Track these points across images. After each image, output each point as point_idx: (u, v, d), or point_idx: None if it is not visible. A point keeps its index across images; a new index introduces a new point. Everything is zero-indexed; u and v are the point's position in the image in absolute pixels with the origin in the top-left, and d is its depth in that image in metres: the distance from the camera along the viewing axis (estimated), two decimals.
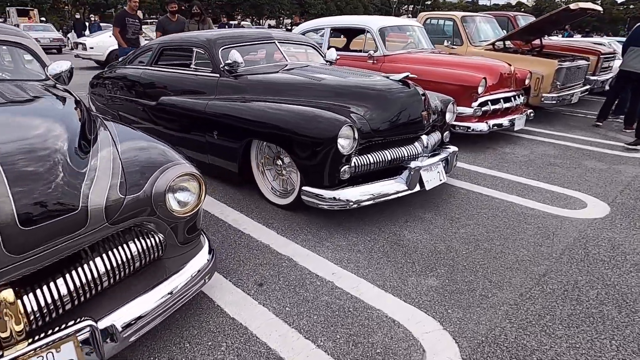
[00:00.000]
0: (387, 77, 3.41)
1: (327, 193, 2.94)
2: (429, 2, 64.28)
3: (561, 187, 3.99)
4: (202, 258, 2.16)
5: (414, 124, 3.26)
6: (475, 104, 5.01)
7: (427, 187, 3.25)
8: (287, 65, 4.06)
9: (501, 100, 5.29)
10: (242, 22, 31.22)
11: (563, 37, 15.32)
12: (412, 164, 3.11)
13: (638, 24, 4.67)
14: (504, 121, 5.28)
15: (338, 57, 4.76)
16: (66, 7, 45.22)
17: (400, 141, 3.28)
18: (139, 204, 1.85)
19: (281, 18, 56.05)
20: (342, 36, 7.83)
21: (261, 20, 54.46)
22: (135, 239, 1.91)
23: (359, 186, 3.02)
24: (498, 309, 2.23)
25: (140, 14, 6.91)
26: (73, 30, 21.66)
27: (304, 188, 3.01)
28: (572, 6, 6.13)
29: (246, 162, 3.49)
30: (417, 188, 3.21)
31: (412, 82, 3.50)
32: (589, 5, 6.45)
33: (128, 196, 1.82)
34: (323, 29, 6.63)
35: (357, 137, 2.90)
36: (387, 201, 3.13)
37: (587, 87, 7.65)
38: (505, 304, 2.26)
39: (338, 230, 3.05)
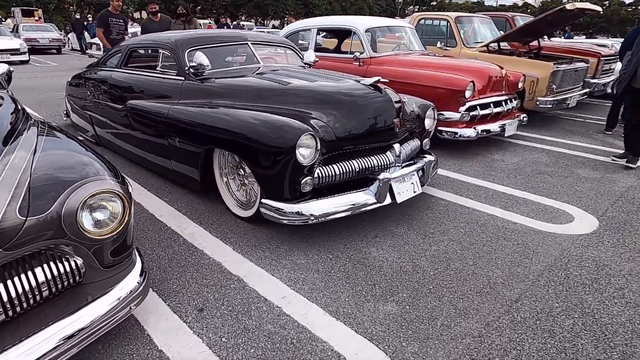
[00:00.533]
0: (358, 82, 3.19)
1: (287, 207, 2.72)
2: (434, 3, 63.83)
3: (549, 199, 3.74)
4: (130, 282, 1.96)
5: (385, 132, 3.04)
6: (462, 109, 4.77)
7: (399, 199, 3.02)
8: (259, 68, 3.85)
9: (491, 104, 5.04)
10: (243, 23, 30.93)
11: (564, 38, 14.98)
12: (381, 175, 2.88)
13: (634, 28, 4.37)
14: (494, 127, 5.04)
15: (317, 59, 4.54)
16: (71, 7, 45.33)
17: (370, 150, 3.05)
18: (45, 226, 1.64)
19: (285, 18, 55.92)
20: (335, 37, 7.62)
21: (265, 21, 54.34)
22: (45, 264, 1.71)
23: (323, 199, 2.81)
24: (459, 341, 2.00)
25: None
26: (72, 31, 21.62)
27: (262, 201, 2.80)
28: (569, 6, 5.87)
29: (209, 171, 3.29)
30: (388, 201, 2.98)
31: (386, 87, 3.27)
32: (587, 5, 6.18)
33: (30, 217, 1.61)
34: (310, 29, 6.40)
35: (319, 147, 2.68)
36: (357, 214, 2.91)
37: (587, 90, 7.38)
38: (469, 336, 2.03)
39: (300, 246, 2.83)
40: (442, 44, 7.15)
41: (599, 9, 6.50)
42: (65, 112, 5.74)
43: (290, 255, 2.72)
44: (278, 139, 2.64)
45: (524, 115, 5.58)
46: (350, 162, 2.92)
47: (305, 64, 4.35)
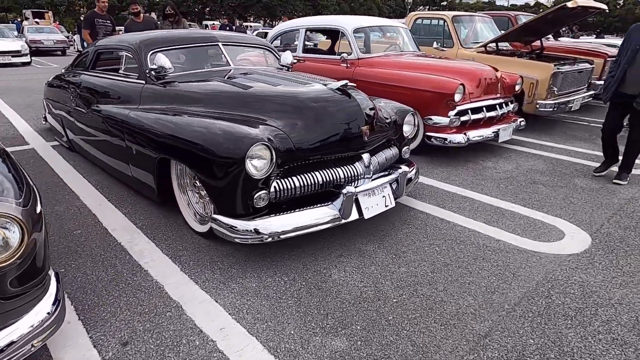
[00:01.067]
0: (325, 85, 2.93)
1: (240, 224, 2.48)
2: (444, 3, 63.16)
3: (539, 212, 3.44)
4: (37, 314, 1.73)
5: (353, 141, 2.77)
6: (452, 113, 4.48)
7: (367, 215, 2.75)
8: (230, 70, 3.61)
9: (484, 108, 4.74)
10: (249, 24, 30.62)
11: (570, 38, 14.48)
12: (345, 189, 2.62)
13: (631, 27, 3.98)
14: (487, 132, 4.73)
15: (295, 61, 4.29)
16: (81, 9, 45.75)
17: (336, 161, 2.79)
18: None
19: (282, 20, 55.76)
20: (329, 38, 7.37)
21: (274, 22, 54.30)
22: None
23: (281, 215, 2.56)
24: None
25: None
26: (78, 33, 21.67)
27: (214, 216, 2.55)
28: (570, 4, 5.53)
29: (169, 180, 3.06)
30: (355, 216, 2.72)
31: (357, 91, 3.01)
32: (589, 3, 5.84)
33: None
34: (298, 30, 6.16)
35: (274, 158, 2.43)
36: (323, 230, 2.65)
37: (592, 92, 7.02)
38: None
39: (254, 267, 2.58)
40: (439, 44, 6.85)
41: (603, 6, 6.15)
42: (44, 115, 5.57)
43: (241, 277, 2.47)
44: (227, 150, 2.40)
45: (522, 119, 5.26)
46: (312, 174, 2.66)
47: (282, 66, 4.10)
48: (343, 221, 2.66)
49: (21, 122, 6.19)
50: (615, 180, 4.12)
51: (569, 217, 3.35)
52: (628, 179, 4.15)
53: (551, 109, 5.92)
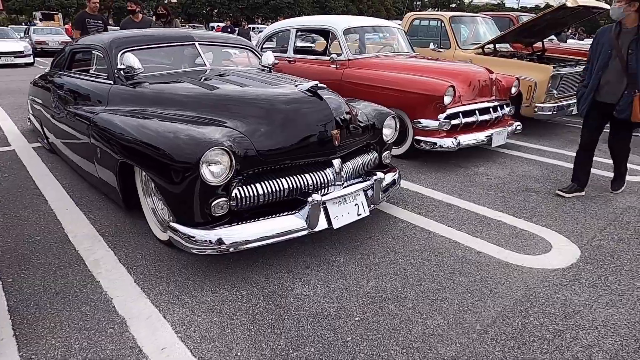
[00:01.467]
0: (296, 86, 2.77)
1: (198, 233, 2.33)
2: (453, 5, 62.75)
3: (527, 222, 3.24)
4: None
5: (322, 145, 2.60)
6: (442, 116, 4.30)
7: (336, 224, 2.59)
8: (206, 71, 3.48)
9: (476, 112, 4.54)
10: (253, 25, 30.44)
11: (577, 39, 14.16)
12: (312, 197, 2.45)
13: (599, 30, 3.58)
14: (479, 136, 4.53)
15: (277, 62, 4.13)
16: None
17: (305, 167, 2.63)
18: None
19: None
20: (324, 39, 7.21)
21: None
22: None
23: (243, 224, 2.40)
24: None
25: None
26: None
27: (171, 225, 2.40)
28: (570, 3, 5.32)
29: (135, 185, 2.93)
30: (323, 226, 2.55)
31: (329, 92, 2.85)
32: (591, 2, 5.62)
33: None
34: (289, 30, 6.01)
35: (234, 163, 2.28)
36: (294, 239, 2.49)
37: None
38: None
39: (214, 279, 2.42)
40: (436, 45, 6.67)
41: (606, 6, 5.91)
42: (28, 116, 5.48)
43: (197, 290, 2.31)
44: (181, 154, 2.25)
45: (518, 123, 5.05)
46: (277, 180, 2.50)
47: (264, 66, 3.95)
48: (310, 231, 2.50)
49: (8, 122, 6.12)
50: (613, 190, 3.90)
51: (559, 228, 3.15)
52: (624, 186, 3.91)
53: (550, 113, 5.70)
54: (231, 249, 2.34)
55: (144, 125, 2.55)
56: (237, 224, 2.40)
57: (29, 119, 5.44)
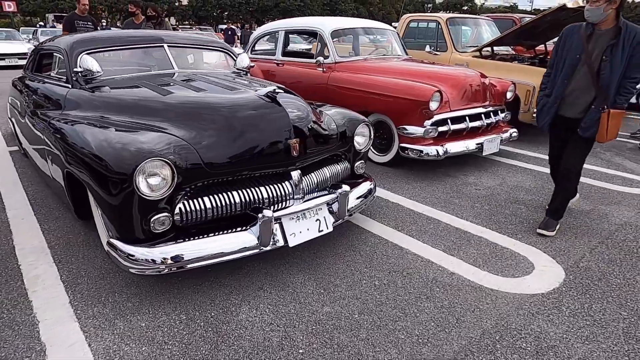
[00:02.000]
0: (256, 91, 2.56)
1: (137, 251, 2.13)
2: (465, 8, 62.13)
3: (511, 238, 3.00)
4: None
5: (278, 156, 2.40)
6: (428, 123, 4.06)
7: (293, 242, 2.38)
8: (173, 74, 3.31)
9: (466, 118, 4.30)
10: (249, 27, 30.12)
11: None
12: (262, 213, 2.25)
13: (565, 29, 2.92)
14: (470, 144, 4.28)
15: (253, 64, 3.94)
16: (103, 13, 46.63)
17: (261, 178, 2.43)
18: None
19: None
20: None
21: None
22: None
23: (190, 241, 2.20)
24: None
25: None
26: None
27: (109, 241, 2.21)
28: (571, 4, 5.05)
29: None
30: (279, 243, 2.35)
31: (294, 98, 2.64)
32: None
33: None
34: (278, 31, 5.83)
35: (175, 175, 2.09)
36: (252, 256, 2.29)
37: None
38: None
39: (155, 300, 2.23)
40: (432, 48, 6.43)
41: None
42: (8, 118, 5.37)
43: (134, 314, 2.12)
44: (115, 164, 2.06)
45: (514, 130, 4.79)
46: (228, 194, 2.30)
47: (238, 69, 3.76)
48: (261, 250, 2.29)
49: None
50: (539, 230, 3.06)
51: (545, 246, 2.90)
52: (557, 227, 3.09)
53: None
54: (173, 269, 2.14)
55: (83, 132, 2.36)
56: (183, 241, 2.21)
57: (9, 120, 5.34)
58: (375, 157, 4.61)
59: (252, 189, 2.36)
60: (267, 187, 2.40)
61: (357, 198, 2.91)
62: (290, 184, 2.45)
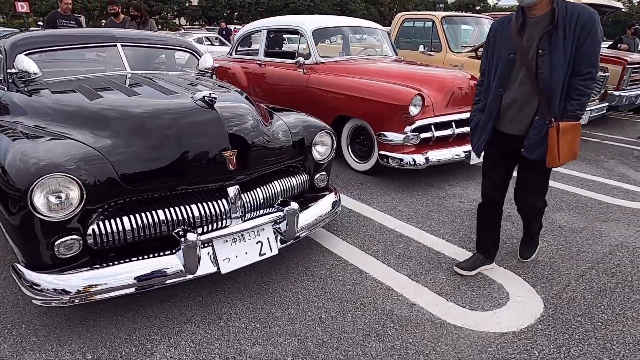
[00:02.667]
0: (191, 97, 2.27)
1: (42, 279, 1.87)
2: (478, 8, 61.28)
3: (489, 263, 2.66)
4: None
5: (210, 170, 2.11)
6: (408, 129, 3.74)
7: (225, 268, 2.09)
8: (127, 76, 3.04)
9: (452, 123, 3.96)
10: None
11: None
12: (185, 237, 1.96)
13: (493, 25, 2.28)
14: (456, 152, 3.93)
15: (217, 65, 3.67)
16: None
17: (193, 195, 2.14)
18: None
19: None
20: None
21: None
22: None
23: (104, 268, 1.93)
24: None
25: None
26: None
27: (14, 265, 1.95)
28: (573, 1, 4.66)
29: None
30: (209, 269, 2.06)
31: (237, 103, 2.36)
32: (600, 0, 4.96)
33: None
34: (260, 31, 5.55)
35: (84, 193, 1.81)
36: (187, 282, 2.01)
37: (606, 104, 6.08)
38: None
39: (63, 334, 1.96)
40: (425, 48, 6.09)
41: (616, 4, 5.23)
42: None
43: (34, 351, 1.85)
44: (10, 180, 1.79)
45: None
46: (152, 213, 2.02)
47: (202, 71, 3.49)
48: (187, 277, 2.01)
49: None
50: (521, 259, 2.67)
51: (525, 272, 2.56)
52: (535, 253, 2.68)
53: None
54: (82, 301, 1.87)
55: None
56: (100, 267, 1.94)
57: None
58: (356, 165, 4.30)
59: (181, 208, 2.08)
60: (199, 205, 2.11)
61: (315, 215, 2.61)
62: (227, 202, 2.16)
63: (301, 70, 4.70)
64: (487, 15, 7.17)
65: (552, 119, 2.02)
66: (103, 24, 6.84)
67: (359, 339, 1.97)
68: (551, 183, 4.04)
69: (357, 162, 4.30)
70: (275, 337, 1.96)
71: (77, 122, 2.19)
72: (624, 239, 3.02)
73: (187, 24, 47.97)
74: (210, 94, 2.16)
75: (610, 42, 8.34)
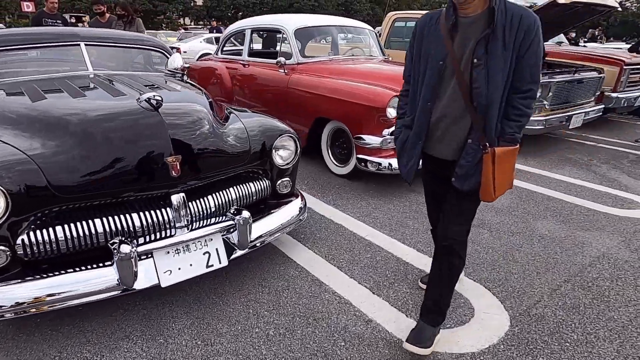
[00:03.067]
0: (139, 97, 2.15)
1: None
2: None
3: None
4: None
5: (151, 176, 1.99)
6: (386, 132, 3.60)
7: (166, 281, 1.97)
8: (89, 75, 2.93)
9: None
10: None
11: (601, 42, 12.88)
12: (121, 248, 1.84)
13: (419, 22, 1.81)
14: None
15: (188, 65, 3.55)
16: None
17: (136, 203, 2.02)
18: None
19: None
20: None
21: None
22: None
23: (35, 280, 1.82)
24: None
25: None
26: None
27: None
28: (562, 0, 4.51)
29: None
30: (150, 282, 1.94)
31: (185, 105, 2.24)
32: None
33: None
34: (244, 31, 5.43)
35: (9, 201, 1.71)
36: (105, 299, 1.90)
37: (602, 106, 5.90)
38: None
39: None
40: None
41: (612, 3, 5.06)
42: None
43: None
44: None
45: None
46: (89, 222, 1.90)
47: (170, 71, 3.37)
48: (123, 292, 1.89)
49: None
50: (407, 346, 1.84)
51: (495, 285, 2.42)
52: (436, 339, 1.90)
53: (540, 127, 4.89)
54: (7, 315, 1.76)
55: None
56: (33, 279, 1.83)
57: None
58: (335, 169, 4.17)
59: (121, 217, 1.96)
60: (141, 214, 1.99)
61: (276, 223, 2.48)
62: (171, 210, 2.04)
63: (282, 71, 4.58)
64: None
65: (487, 144, 1.61)
66: (87, 24, 6.76)
67: (305, 359, 1.84)
68: (536, 188, 3.93)
69: (337, 165, 4.16)
70: (214, 357, 1.84)
71: (15, 125, 2.08)
72: (606, 249, 2.86)
73: (192, 23, 47.98)
74: (154, 95, 2.04)
75: (630, 45, 8.09)
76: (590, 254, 2.79)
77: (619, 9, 5.49)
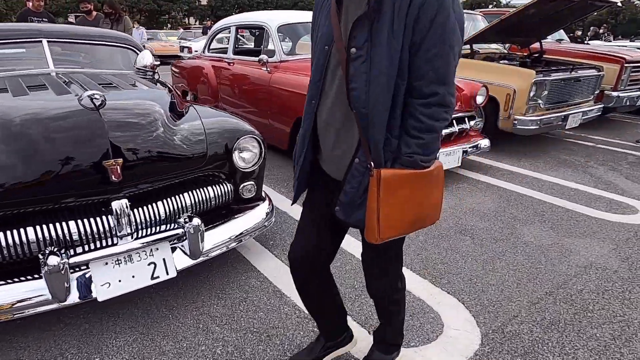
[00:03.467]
0: (80, 96, 2.00)
1: None
2: (490, 6, 60.33)
3: (433, 285, 2.36)
4: None
5: (90, 181, 1.84)
6: None
7: (103, 295, 1.81)
8: (49, 74, 2.80)
9: None
10: None
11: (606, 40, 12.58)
12: (49, 259, 1.69)
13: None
14: None
15: (158, 62, 3.40)
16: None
17: (75, 210, 1.88)
18: None
19: None
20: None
21: None
22: None
23: None
24: None
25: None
26: None
27: None
28: None
29: None
30: (83, 297, 1.79)
31: (139, 103, 2.09)
32: None
33: None
34: (229, 28, 5.28)
35: None
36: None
37: (601, 105, 5.68)
38: None
39: None
40: None
41: None
42: None
43: None
44: None
45: (483, 141, 4.10)
46: (20, 231, 1.76)
47: (139, 69, 3.24)
48: (56, 305, 1.74)
49: None
50: None
51: (471, 298, 2.25)
52: (398, 354, 1.70)
53: (533, 127, 4.69)
54: None
55: None
56: None
57: None
58: None
59: (56, 224, 1.82)
60: (79, 222, 1.85)
61: (238, 229, 2.33)
62: (112, 218, 1.89)
63: (265, 69, 4.42)
64: (480, 12, 6.80)
65: (371, 163, 1.18)
66: (70, 21, 6.68)
67: None
68: (526, 191, 3.74)
69: None
70: None
71: None
72: (595, 258, 2.68)
73: (196, 23, 47.99)
74: (94, 94, 1.89)
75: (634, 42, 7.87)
76: (577, 263, 2.61)
77: (619, 4, 5.26)
